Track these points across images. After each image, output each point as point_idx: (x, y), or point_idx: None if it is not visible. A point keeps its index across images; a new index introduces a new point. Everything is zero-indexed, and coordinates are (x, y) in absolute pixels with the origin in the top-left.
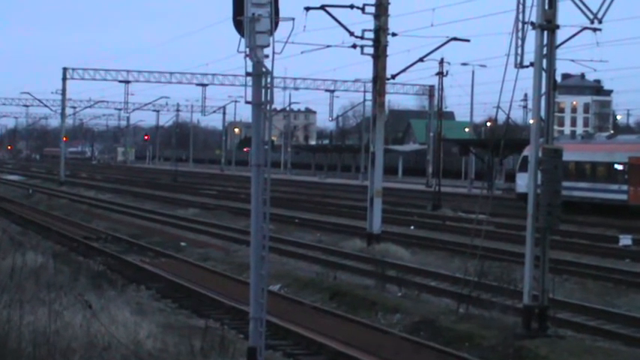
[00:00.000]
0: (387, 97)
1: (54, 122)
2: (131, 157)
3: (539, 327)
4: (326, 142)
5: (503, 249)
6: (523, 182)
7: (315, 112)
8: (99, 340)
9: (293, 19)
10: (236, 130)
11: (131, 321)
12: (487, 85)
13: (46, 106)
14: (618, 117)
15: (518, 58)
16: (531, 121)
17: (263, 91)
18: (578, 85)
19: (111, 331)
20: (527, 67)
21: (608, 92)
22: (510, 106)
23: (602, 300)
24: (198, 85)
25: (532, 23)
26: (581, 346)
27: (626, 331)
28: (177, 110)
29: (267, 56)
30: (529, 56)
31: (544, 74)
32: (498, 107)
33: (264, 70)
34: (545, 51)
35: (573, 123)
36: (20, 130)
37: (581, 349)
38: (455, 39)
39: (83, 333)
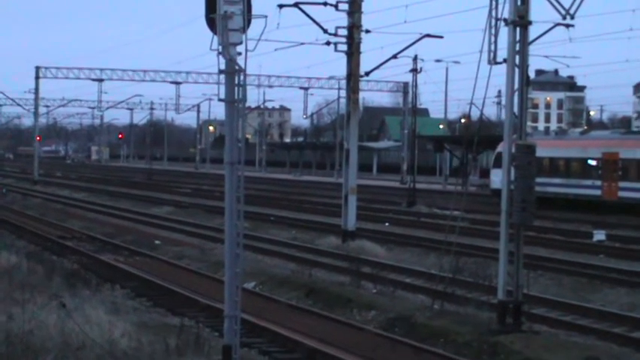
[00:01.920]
0: (361, 94)
1: (27, 121)
2: (105, 156)
3: (514, 322)
4: (301, 139)
5: (478, 245)
6: (497, 178)
7: (289, 110)
8: (73, 339)
9: (266, 16)
10: (210, 128)
11: (105, 320)
12: (461, 82)
13: (19, 105)
14: (592, 113)
15: (492, 55)
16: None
17: (236, 88)
18: (551, 82)
19: (85, 331)
20: (500, 63)
21: (582, 88)
22: (484, 102)
23: (576, 295)
24: (172, 83)
25: (505, 19)
26: (556, 341)
27: (600, 326)
28: (152, 108)
29: (240, 54)
30: (502, 52)
31: (517, 70)
32: (472, 104)
33: (237, 67)
34: (518, 47)
35: (547, 119)
36: None
37: (555, 344)
38: (428, 36)
39: (57, 332)
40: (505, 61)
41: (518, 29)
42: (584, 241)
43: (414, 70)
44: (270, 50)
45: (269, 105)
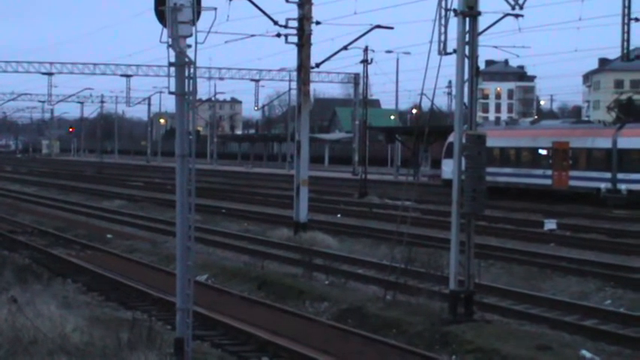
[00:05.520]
0: (312, 86)
1: None
2: (56, 150)
3: (466, 312)
4: (252, 131)
5: (429, 235)
6: (448, 168)
7: (240, 102)
8: (24, 334)
9: (215, 8)
10: (161, 120)
11: (57, 315)
12: (412, 72)
13: None
14: (542, 102)
15: (442, 45)
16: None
17: (186, 81)
18: (501, 72)
19: (37, 325)
20: (450, 54)
21: (532, 78)
22: (434, 93)
23: (527, 284)
24: (122, 76)
25: (454, 10)
26: (508, 330)
27: (551, 315)
28: (102, 102)
29: (189, 46)
30: (452, 43)
31: (467, 61)
32: (423, 94)
33: (187, 60)
34: (467, 38)
35: (498, 109)
36: None
37: (507, 333)
38: (378, 26)
39: (8, 327)
40: (455, 51)
41: (467, 20)
42: (535, 230)
43: (365, 61)
44: (220, 42)
45: (220, 97)
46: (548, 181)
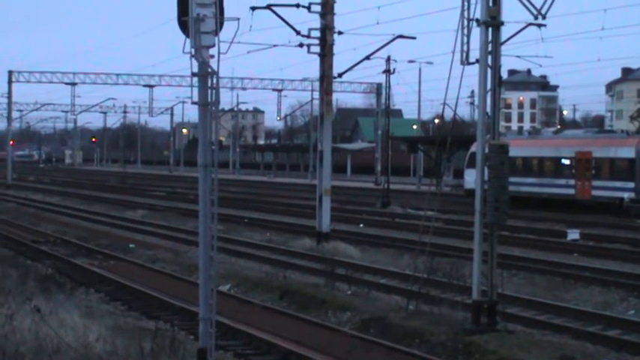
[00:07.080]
0: (335, 96)
1: (0, 126)
2: (79, 160)
3: (489, 322)
4: (274, 141)
5: (452, 245)
6: (471, 178)
7: (263, 112)
8: (48, 344)
9: (238, 19)
10: (184, 130)
11: (80, 324)
12: (434, 82)
13: None
14: (564, 112)
15: (464, 55)
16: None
17: (209, 91)
18: (524, 81)
19: (60, 335)
20: (473, 63)
21: (554, 87)
22: (457, 102)
23: (550, 294)
24: (145, 86)
25: (477, 20)
26: (530, 340)
27: (574, 325)
28: (125, 112)
29: (212, 56)
30: (475, 53)
31: (489, 71)
32: (445, 104)
33: (209, 70)
34: (490, 47)
35: (520, 119)
36: None
37: (530, 343)
38: (401, 36)
39: (32, 337)
40: (478, 61)
41: (490, 30)
42: (558, 240)
43: (387, 71)
44: (243, 52)
45: (242, 107)
46: (571, 191)
